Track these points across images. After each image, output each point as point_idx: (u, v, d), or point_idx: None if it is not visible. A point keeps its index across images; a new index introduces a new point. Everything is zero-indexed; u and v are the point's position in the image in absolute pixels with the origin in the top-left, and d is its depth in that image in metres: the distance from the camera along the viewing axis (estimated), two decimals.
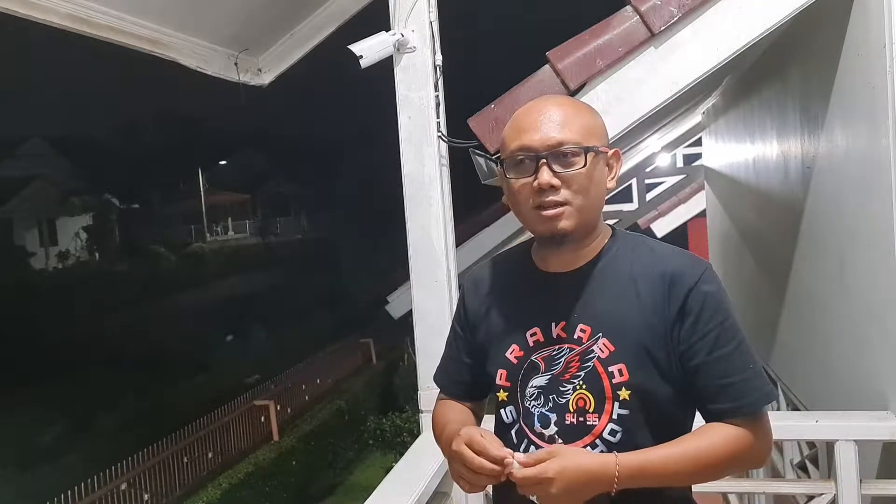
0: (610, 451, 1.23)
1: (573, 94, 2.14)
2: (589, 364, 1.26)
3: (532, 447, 1.28)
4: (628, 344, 1.24)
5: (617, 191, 9.14)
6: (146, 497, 10.15)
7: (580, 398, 1.26)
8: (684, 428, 1.29)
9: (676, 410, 1.28)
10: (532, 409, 1.30)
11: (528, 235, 1.40)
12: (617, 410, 1.24)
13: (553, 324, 1.30)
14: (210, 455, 11.56)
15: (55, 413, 14.60)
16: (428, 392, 2.23)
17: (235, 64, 2.77)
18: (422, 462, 2.00)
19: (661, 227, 10.00)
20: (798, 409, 3.37)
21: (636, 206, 9.74)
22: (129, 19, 2.25)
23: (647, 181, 9.98)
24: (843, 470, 2.03)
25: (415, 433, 2.69)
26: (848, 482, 2.02)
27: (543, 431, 1.28)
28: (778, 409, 3.79)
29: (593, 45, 2.14)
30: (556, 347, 1.29)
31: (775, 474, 3.39)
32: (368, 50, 2.08)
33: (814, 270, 3.02)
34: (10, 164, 31.11)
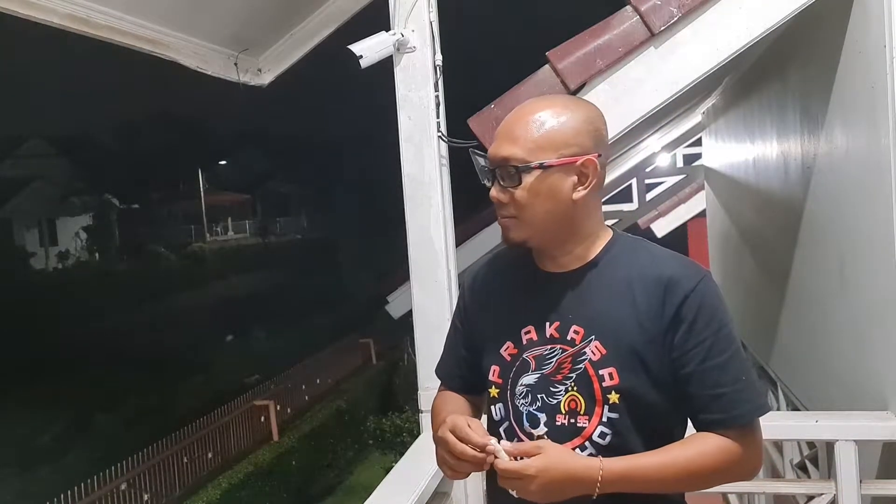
0: (599, 453, 1.23)
1: (573, 94, 2.14)
2: (580, 366, 1.26)
3: None
4: (620, 348, 1.24)
5: (617, 191, 9.07)
6: (146, 497, 10.15)
7: (572, 399, 1.26)
8: (676, 434, 1.28)
9: (667, 416, 1.27)
10: (521, 408, 1.30)
11: None
12: (607, 414, 1.24)
13: (547, 323, 1.30)
14: (210, 455, 11.57)
15: (55, 413, 14.61)
16: (428, 392, 2.23)
17: (235, 64, 2.77)
18: (422, 462, 2.00)
19: (661, 227, 10.00)
20: (798, 409, 3.37)
21: (636, 206, 9.73)
22: (129, 19, 2.25)
23: (647, 181, 9.96)
24: (843, 470, 2.03)
25: (415, 433, 2.69)
26: (848, 482, 2.02)
27: (532, 431, 1.28)
28: (778, 409, 3.79)
29: (593, 45, 2.14)
30: (549, 347, 1.29)
31: (775, 474, 3.39)
32: (368, 50, 2.08)
33: (814, 270, 3.02)
34: (10, 164, 31.14)
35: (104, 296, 23.66)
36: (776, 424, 2.25)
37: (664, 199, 9.87)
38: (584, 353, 1.26)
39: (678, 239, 9.98)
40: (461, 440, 1.20)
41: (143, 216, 35.05)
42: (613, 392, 1.23)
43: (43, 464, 12.42)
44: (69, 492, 9.18)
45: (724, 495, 4.21)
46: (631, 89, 2.16)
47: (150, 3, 2.28)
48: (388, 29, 2.16)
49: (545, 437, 1.27)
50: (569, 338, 1.27)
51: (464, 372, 1.46)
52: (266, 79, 2.92)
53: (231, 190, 41.18)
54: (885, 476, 2.14)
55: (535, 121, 1.26)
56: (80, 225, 32.19)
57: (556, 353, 1.28)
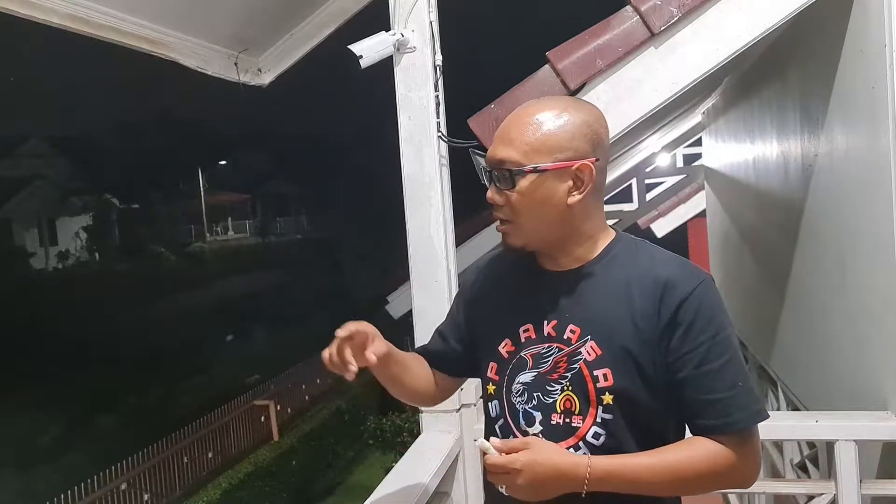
0: (593, 454, 1.23)
1: (573, 94, 2.14)
2: (576, 366, 1.26)
3: None
4: (615, 349, 1.23)
5: (617, 191, 9.07)
6: (146, 497, 10.16)
7: (567, 399, 1.26)
8: (672, 437, 1.28)
9: (662, 419, 1.26)
10: (517, 406, 1.31)
11: None
12: (601, 414, 1.24)
13: (545, 322, 1.30)
14: (210, 455, 11.58)
15: (55, 413, 14.62)
16: None
17: (235, 64, 2.77)
18: (422, 462, 2.00)
19: (661, 227, 10.00)
20: (798, 409, 3.37)
21: (636, 206, 9.73)
22: (129, 19, 2.25)
23: (647, 181, 9.96)
24: (843, 470, 2.03)
25: (415, 433, 2.69)
26: (848, 482, 2.02)
27: (528, 430, 1.29)
28: (778, 409, 3.79)
29: (593, 45, 2.14)
30: (546, 346, 1.29)
31: (775, 474, 3.39)
32: (368, 50, 2.08)
33: (814, 270, 3.02)
34: (10, 164, 31.11)
35: (104, 296, 23.65)
36: (776, 424, 2.25)
37: (664, 199, 9.87)
38: (580, 353, 1.26)
39: (678, 239, 9.98)
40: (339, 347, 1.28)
41: (143, 216, 35.00)
42: (607, 393, 1.23)
43: (43, 464, 12.42)
44: (69, 492, 9.19)
45: (725, 495, 4.21)
46: (631, 89, 2.15)
47: (150, 3, 2.28)
48: (388, 29, 2.16)
49: (540, 435, 1.27)
50: (565, 337, 1.28)
51: (439, 347, 1.49)
52: (266, 79, 2.92)
53: (231, 190, 41.15)
54: (885, 476, 2.14)
55: (532, 123, 1.26)
56: (80, 225, 32.17)
57: (552, 351, 1.28)
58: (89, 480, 9.47)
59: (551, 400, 1.27)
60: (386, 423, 11.83)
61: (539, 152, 1.24)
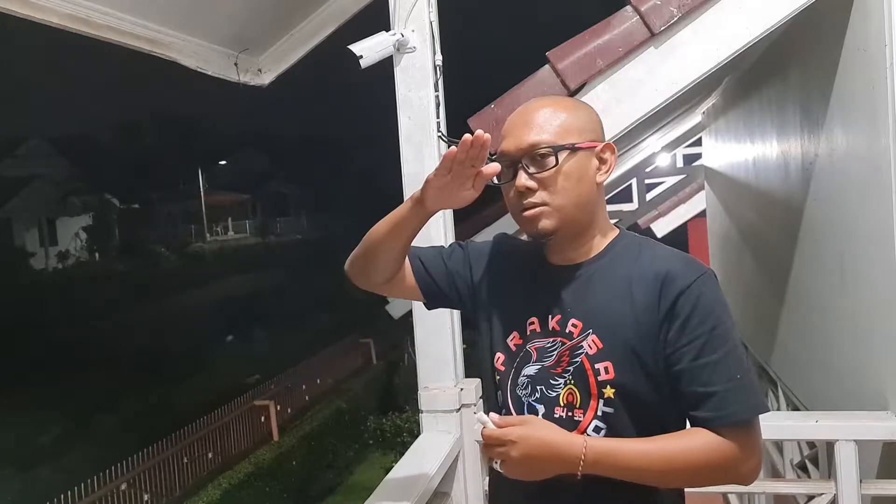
0: None
1: (573, 94, 2.14)
2: (577, 360, 1.27)
3: None
4: (616, 342, 1.24)
5: (617, 191, 9.08)
6: (146, 497, 10.15)
7: (569, 393, 1.27)
8: (672, 431, 1.27)
9: (663, 413, 1.26)
10: (522, 398, 1.32)
11: None
12: (602, 408, 1.25)
13: (550, 316, 1.31)
14: (210, 455, 11.57)
15: (55, 413, 14.61)
16: (428, 392, 2.23)
17: (235, 64, 2.77)
18: (422, 462, 2.00)
19: (661, 227, 10.00)
20: (798, 409, 3.37)
21: (636, 206, 9.74)
22: (129, 19, 2.24)
23: (647, 181, 9.98)
24: (843, 470, 2.02)
25: (415, 433, 2.69)
26: (848, 482, 2.02)
27: None
28: (778, 409, 3.79)
29: (593, 45, 2.14)
30: (550, 340, 1.30)
31: (775, 474, 3.39)
32: (368, 50, 2.08)
33: (814, 270, 3.02)
34: (10, 164, 31.14)
35: (104, 296, 23.67)
36: (776, 424, 2.25)
37: (664, 199, 9.88)
38: (581, 346, 1.27)
39: (678, 239, 9.97)
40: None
41: (143, 216, 35.05)
42: (609, 386, 1.24)
43: (43, 464, 12.41)
44: (69, 492, 9.18)
45: (725, 495, 4.21)
46: (631, 89, 2.15)
47: (150, 3, 2.28)
48: (388, 29, 2.16)
49: None
50: (567, 331, 1.29)
51: (429, 267, 1.50)
52: (266, 79, 2.92)
53: (231, 190, 41.16)
54: (885, 476, 2.14)
55: (551, 111, 1.30)
56: (80, 225, 32.20)
57: (556, 345, 1.29)
58: (89, 480, 9.47)
59: (554, 394, 1.28)
60: (386, 423, 11.83)
61: (569, 132, 1.28)
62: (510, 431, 1.19)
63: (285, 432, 12.72)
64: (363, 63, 2.07)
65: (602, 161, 1.31)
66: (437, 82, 2.19)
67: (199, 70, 2.61)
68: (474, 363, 2.72)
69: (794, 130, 3.17)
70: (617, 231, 1.36)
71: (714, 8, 2.11)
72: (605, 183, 1.33)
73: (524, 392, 1.32)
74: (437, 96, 2.19)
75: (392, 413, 12.12)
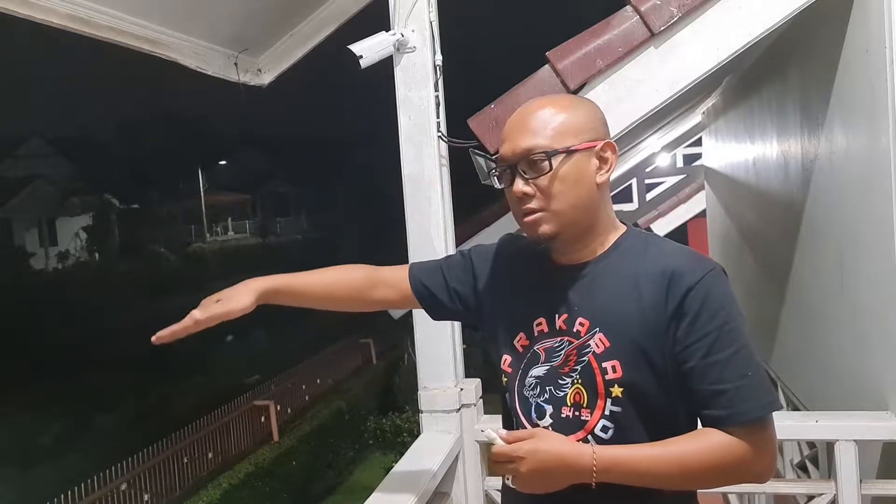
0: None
1: (573, 94, 2.14)
2: (585, 359, 1.26)
3: None
4: (624, 341, 1.23)
5: (617, 191, 9.10)
6: (146, 497, 10.16)
7: (577, 392, 1.26)
8: (682, 430, 1.26)
9: (671, 411, 1.25)
10: (530, 399, 1.31)
11: None
12: (609, 407, 1.24)
13: (556, 315, 1.30)
14: (210, 455, 11.57)
15: (55, 413, 14.60)
16: (428, 392, 2.23)
17: (235, 64, 2.77)
18: (422, 462, 2.00)
19: (661, 227, 9.99)
20: (798, 409, 3.37)
21: (636, 206, 9.74)
22: (129, 19, 2.25)
23: (647, 181, 9.98)
24: (843, 470, 2.02)
25: (415, 433, 2.69)
26: (848, 482, 2.02)
27: (539, 423, 1.29)
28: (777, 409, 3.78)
29: (593, 45, 2.14)
30: (558, 340, 1.29)
31: (775, 474, 3.39)
32: (368, 50, 2.08)
33: (814, 270, 3.02)
34: (10, 164, 31.16)
35: (104, 296, 23.65)
36: (776, 424, 2.24)
37: (664, 199, 9.88)
38: (588, 345, 1.26)
39: (678, 239, 9.94)
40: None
41: (143, 216, 34.99)
42: (616, 385, 1.23)
43: (43, 464, 12.41)
44: (69, 492, 9.18)
45: (725, 495, 4.21)
46: (631, 89, 2.15)
47: (150, 4, 2.28)
48: (388, 29, 2.16)
49: (550, 428, 1.28)
50: (574, 330, 1.28)
51: (428, 283, 1.51)
52: (266, 79, 2.92)
53: (231, 190, 41.15)
54: (885, 476, 2.14)
55: (548, 113, 1.28)
56: (80, 225, 32.17)
57: (563, 345, 1.29)
58: (89, 480, 9.47)
59: (562, 393, 1.27)
60: (386, 423, 11.84)
61: (565, 135, 1.26)
62: (518, 447, 1.18)
63: (285, 432, 12.72)
64: (363, 63, 2.07)
65: (602, 160, 1.28)
66: (437, 82, 2.19)
67: (199, 70, 2.61)
68: (474, 363, 2.72)
69: (794, 130, 3.17)
70: (623, 228, 1.34)
71: (714, 8, 2.10)
72: (609, 181, 1.31)
73: (532, 393, 1.31)
74: (437, 96, 2.19)
75: (392, 413, 12.14)
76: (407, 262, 2.27)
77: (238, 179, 41.79)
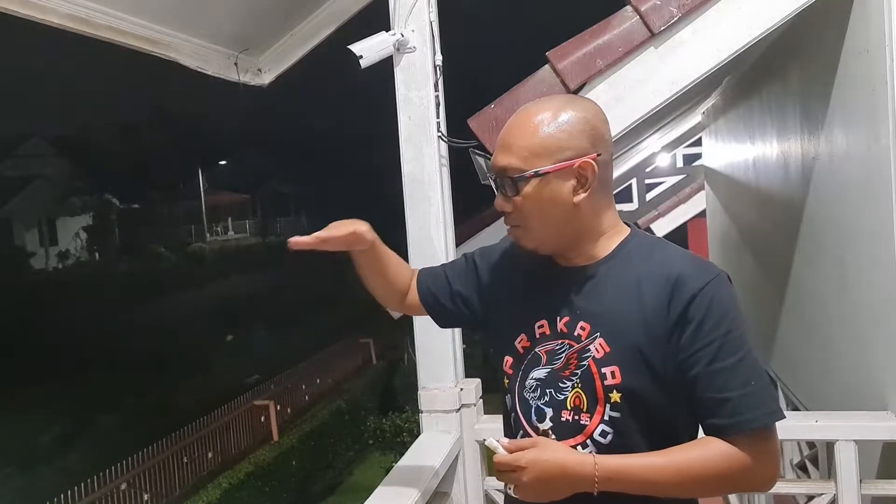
0: (601, 452, 1.22)
1: (573, 94, 2.14)
2: (585, 363, 1.25)
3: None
4: (624, 346, 1.22)
5: (617, 191, 9.12)
6: (146, 497, 10.16)
7: (577, 396, 1.26)
8: (683, 437, 1.25)
9: (672, 418, 1.24)
10: (530, 401, 1.31)
11: None
12: (608, 412, 1.23)
13: (558, 318, 1.30)
14: (210, 455, 11.59)
15: (55, 413, 14.59)
16: (428, 392, 2.23)
17: (235, 64, 2.77)
18: (422, 462, 2.00)
19: (661, 227, 10.00)
20: (798, 409, 3.37)
21: (636, 206, 9.74)
22: (129, 19, 2.25)
23: (647, 181, 9.97)
24: (843, 470, 2.03)
25: (415, 433, 2.69)
26: (848, 482, 2.02)
27: (538, 425, 1.29)
28: None
29: (593, 45, 2.14)
30: (559, 342, 1.29)
31: None
32: (368, 50, 2.08)
33: (814, 270, 3.02)
34: (10, 164, 31.13)
35: (104, 296, 23.65)
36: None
37: (664, 199, 9.88)
38: (589, 350, 1.25)
39: (678, 239, 9.97)
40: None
41: (143, 216, 35.00)
42: (615, 391, 1.22)
43: (43, 464, 12.40)
44: (69, 492, 9.19)
45: (725, 495, 4.20)
46: (631, 89, 2.15)
47: (150, 3, 2.28)
48: (388, 29, 2.16)
49: (549, 431, 1.27)
50: (576, 333, 1.27)
51: (434, 289, 1.53)
52: (266, 79, 2.92)
53: (231, 190, 41.17)
54: (885, 476, 2.14)
55: (529, 127, 1.25)
56: (80, 225, 32.18)
57: (564, 348, 1.28)
58: (89, 480, 9.47)
59: (562, 397, 1.27)
60: (386, 423, 11.84)
61: (539, 156, 1.23)
62: (520, 456, 1.18)
63: (285, 432, 12.73)
64: (363, 63, 2.07)
65: (581, 179, 1.23)
66: (437, 82, 2.19)
67: (199, 70, 2.61)
68: (474, 363, 2.72)
69: (794, 130, 3.17)
70: (627, 230, 1.33)
71: (714, 8, 2.11)
72: (586, 198, 1.25)
73: (533, 395, 1.30)
74: (437, 96, 2.19)
75: (392, 413, 12.14)
76: (406, 261, 2.28)
77: (238, 179, 41.81)
